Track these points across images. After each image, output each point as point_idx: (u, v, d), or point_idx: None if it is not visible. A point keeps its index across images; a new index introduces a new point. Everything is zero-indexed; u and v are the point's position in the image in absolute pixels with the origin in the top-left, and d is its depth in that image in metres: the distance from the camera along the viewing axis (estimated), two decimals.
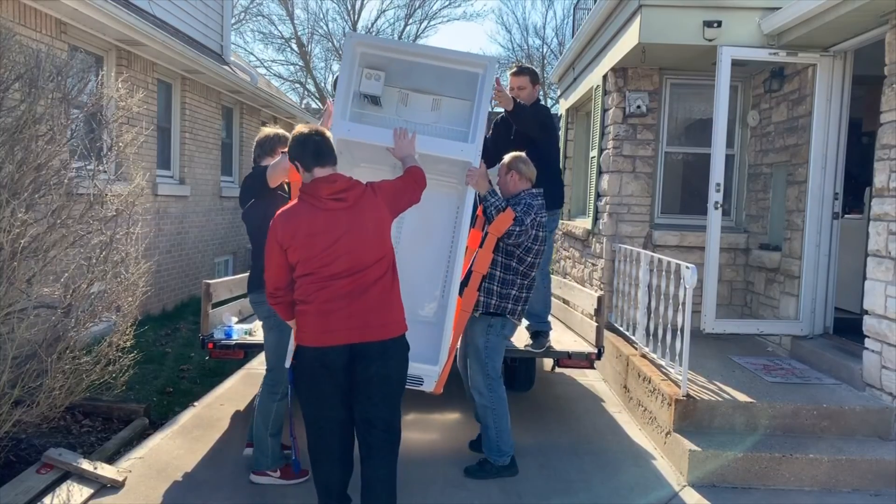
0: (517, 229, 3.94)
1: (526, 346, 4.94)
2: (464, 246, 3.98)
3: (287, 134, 3.88)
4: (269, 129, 4.28)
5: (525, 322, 5.06)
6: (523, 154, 4.27)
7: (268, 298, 3.27)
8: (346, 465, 3.25)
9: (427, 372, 3.85)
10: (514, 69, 4.90)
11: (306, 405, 3.21)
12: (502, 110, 4.82)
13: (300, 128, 3.26)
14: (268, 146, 4.14)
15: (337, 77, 4.16)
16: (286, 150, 3.40)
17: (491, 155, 4.46)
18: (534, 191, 4.17)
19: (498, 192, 4.18)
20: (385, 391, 3.18)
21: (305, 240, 3.06)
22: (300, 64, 28.50)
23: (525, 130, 4.71)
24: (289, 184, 3.94)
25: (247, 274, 4.58)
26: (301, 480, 4.00)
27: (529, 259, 4.07)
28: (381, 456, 3.21)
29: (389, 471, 3.24)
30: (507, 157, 4.25)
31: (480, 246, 4.09)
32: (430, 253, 4.36)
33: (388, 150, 3.80)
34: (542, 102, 5.28)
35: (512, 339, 5.07)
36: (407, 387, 3.42)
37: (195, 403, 5.46)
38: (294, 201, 3.22)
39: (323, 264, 3.06)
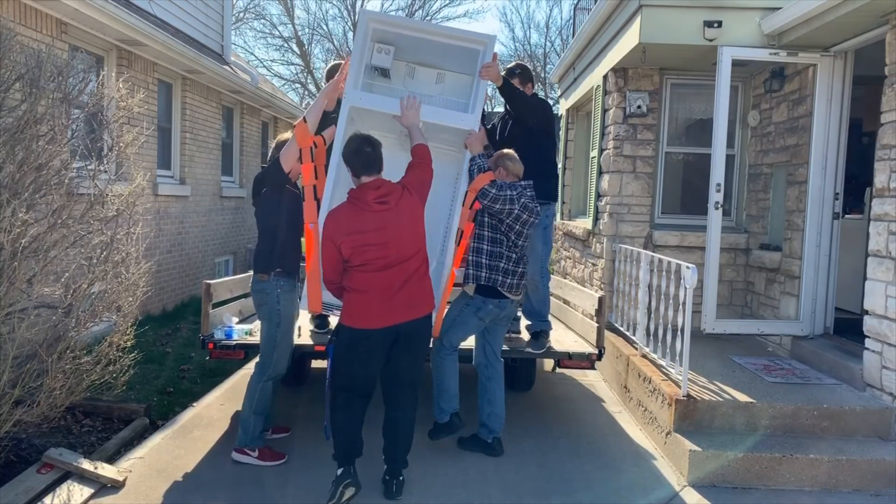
0: (492, 191, 4.17)
1: (526, 345, 4.94)
2: (460, 208, 4.30)
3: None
4: (288, 134, 4.45)
5: (526, 322, 5.07)
6: (511, 151, 4.48)
7: (326, 285, 3.80)
8: (361, 421, 3.83)
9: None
10: (505, 72, 4.92)
11: (341, 373, 3.74)
12: (502, 110, 4.86)
13: (355, 134, 3.76)
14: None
15: (331, 66, 4.55)
16: (294, 131, 4.04)
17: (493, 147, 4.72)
18: (521, 183, 4.37)
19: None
20: (419, 361, 3.87)
21: (356, 237, 3.57)
22: (300, 64, 28.52)
23: (515, 111, 4.82)
24: (298, 179, 4.29)
25: (248, 274, 4.60)
26: (276, 463, 4.23)
27: (513, 236, 4.30)
28: (406, 405, 3.88)
29: (412, 413, 3.90)
30: (496, 154, 4.47)
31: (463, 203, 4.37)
32: (431, 213, 4.59)
33: (394, 119, 4.20)
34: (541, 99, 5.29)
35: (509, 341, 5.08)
36: None
37: (195, 403, 5.47)
38: (344, 203, 3.71)
39: (372, 258, 3.58)
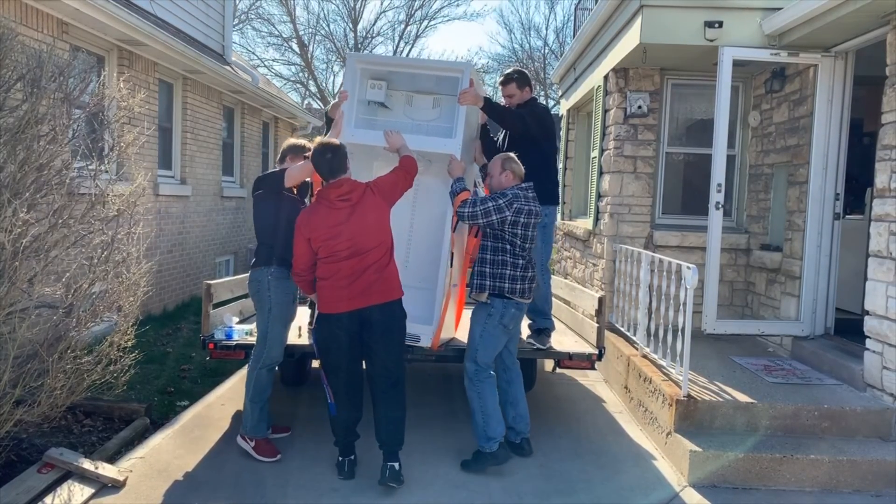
0: (465, 211, 4.24)
1: (528, 337, 4.96)
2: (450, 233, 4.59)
3: (306, 145, 4.60)
4: (300, 141, 4.71)
5: (527, 321, 5.07)
6: (512, 154, 4.52)
7: (294, 276, 4.16)
8: (358, 407, 4.10)
9: (423, 331, 4.54)
10: (501, 79, 5.17)
11: (326, 360, 4.08)
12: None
13: (318, 140, 4.11)
14: (290, 152, 4.63)
15: (326, 111, 4.92)
16: (307, 155, 4.31)
17: (499, 151, 4.89)
18: (523, 185, 4.37)
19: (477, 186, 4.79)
20: (396, 351, 4.05)
21: (323, 232, 3.93)
22: (301, 64, 28.51)
23: (504, 128, 5.03)
24: (308, 184, 4.70)
25: (248, 274, 4.63)
26: (271, 460, 4.32)
27: (519, 241, 4.25)
28: (390, 400, 4.02)
29: (401, 412, 4.04)
30: (500, 158, 4.46)
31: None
32: (434, 229, 4.91)
33: (385, 149, 4.50)
34: (541, 101, 5.38)
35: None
36: (408, 343, 4.34)
37: (196, 404, 5.47)
38: (314, 202, 4.10)
39: (336, 250, 3.92)
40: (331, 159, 3.99)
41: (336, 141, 4.14)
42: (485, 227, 4.27)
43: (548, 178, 5.03)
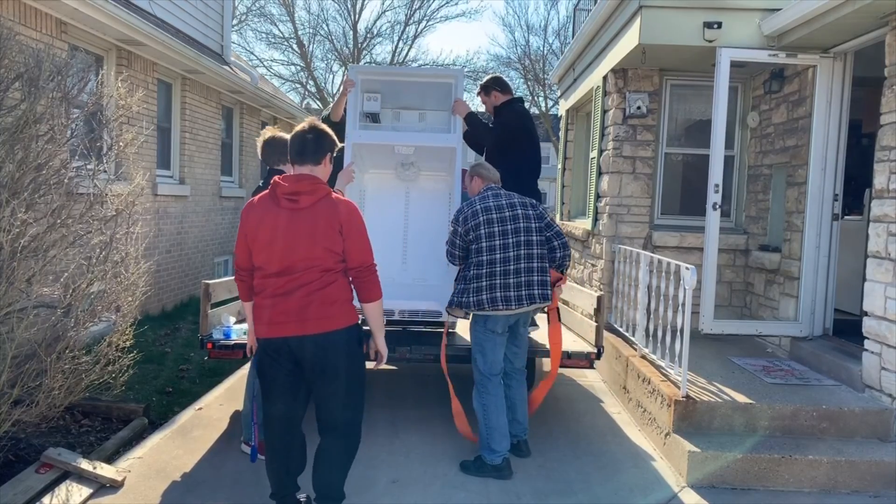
0: (448, 257, 4.42)
1: None
2: None
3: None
4: (276, 132, 4.51)
5: None
6: (483, 161, 4.85)
7: (235, 275, 3.40)
8: (291, 456, 3.37)
9: (441, 307, 4.62)
10: (477, 87, 5.59)
11: (262, 392, 3.36)
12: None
13: (303, 123, 3.32)
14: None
15: (326, 115, 5.36)
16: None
17: (492, 156, 5.17)
18: (482, 188, 4.48)
19: None
20: (332, 388, 3.26)
21: (257, 232, 3.19)
22: (301, 64, 28.51)
23: (482, 142, 5.33)
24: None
25: None
26: None
27: (477, 246, 4.21)
28: (331, 451, 3.32)
29: (339, 472, 3.37)
30: (470, 167, 4.67)
31: None
32: (433, 231, 5.28)
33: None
34: (524, 105, 5.57)
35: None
36: (429, 319, 4.72)
37: (195, 404, 5.46)
38: (265, 193, 3.28)
39: (266, 261, 3.19)
40: (310, 140, 3.23)
41: (326, 128, 3.31)
42: (472, 241, 4.23)
43: (521, 185, 4.86)
